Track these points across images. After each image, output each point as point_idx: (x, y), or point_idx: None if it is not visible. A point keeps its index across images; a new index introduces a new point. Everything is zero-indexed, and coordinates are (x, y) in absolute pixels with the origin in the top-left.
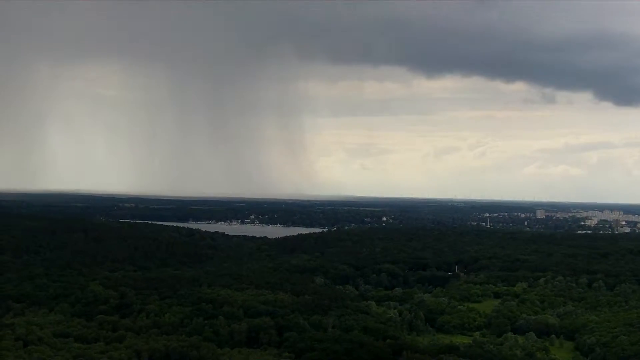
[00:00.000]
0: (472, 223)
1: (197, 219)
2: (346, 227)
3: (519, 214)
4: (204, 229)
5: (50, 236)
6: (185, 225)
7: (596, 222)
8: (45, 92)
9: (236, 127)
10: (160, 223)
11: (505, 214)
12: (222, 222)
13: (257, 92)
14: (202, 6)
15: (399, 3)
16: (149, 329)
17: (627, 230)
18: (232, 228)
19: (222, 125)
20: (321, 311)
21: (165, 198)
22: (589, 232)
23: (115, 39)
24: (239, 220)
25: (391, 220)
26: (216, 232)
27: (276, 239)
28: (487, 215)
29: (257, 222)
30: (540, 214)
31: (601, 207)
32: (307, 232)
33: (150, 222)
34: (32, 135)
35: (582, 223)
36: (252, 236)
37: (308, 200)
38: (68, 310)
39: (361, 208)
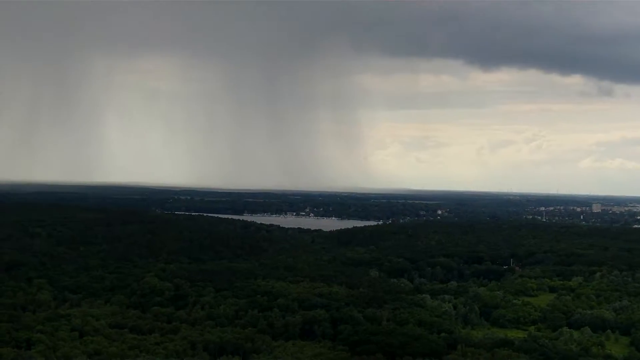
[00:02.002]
0: (528, 217)
1: (253, 211)
2: (401, 220)
3: (575, 207)
4: (259, 222)
5: (106, 228)
6: (241, 217)
7: None
8: (102, 85)
9: (292, 120)
10: (216, 215)
11: (561, 207)
12: (277, 215)
13: (312, 85)
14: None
15: None
16: (203, 321)
17: None
18: (287, 220)
19: (278, 118)
20: (376, 304)
21: (220, 190)
22: None
23: (171, 32)
24: (294, 213)
25: (446, 214)
26: (271, 225)
27: (331, 232)
28: (543, 209)
29: (312, 214)
30: (596, 208)
31: None
32: (362, 225)
33: (205, 215)
34: (89, 128)
35: (639, 217)
36: (307, 229)
37: (363, 193)
38: (124, 301)
39: (416, 201)
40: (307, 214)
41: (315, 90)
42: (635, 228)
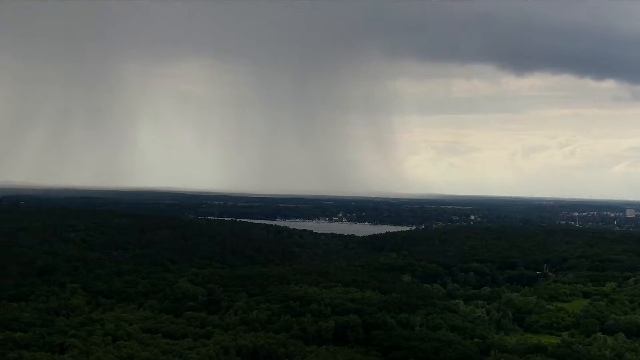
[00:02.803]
0: (561, 222)
1: (285, 216)
2: (434, 226)
3: (609, 213)
4: (292, 227)
5: (140, 233)
6: (273, 222)
7: None
8: (135, 89)
9: (325, 125)
10: (249, 220)
11: (595, 213)
12: (310, 220)
13: (345, 90)
14: (289, 4)
15: (488, 1)
16: (236, 326)
17: None
18: (320, 226)
19: (311, 123)
20: (409, 309)
21: (253, 196)
22: None
23: (203, 37)
24: (327, 218)
25: (479, 219)
26: (304, 230)
27: (364, 237)
28: (576, 214)
29: (345, 220)
30: (630, 213)
31: None
32: (395, 230)
33: (238, 220)
34: (122, 133)
35: None
36: (340, 234)
37: (396, 199)
38: (156, 306)
39: (449, 206)
40: (340, 219)
41: (348, 94)
42: None
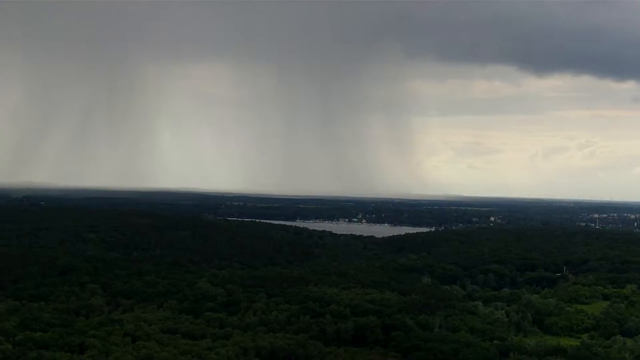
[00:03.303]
0: (581, 224)
1: (305, 217)
2: (453, 227)
3: (629, 214)
4: (311, 228)
5: (159, 234)
6: (293, 223)
7: None
8: (155, 90)
9: (344, 126)
10: (268, 221)
11: (615, 214)
12: (330, 221)
13: (364, 91)
14: (310, 4)
15: (508, 2)
16: (255, 327)
17: None
18: (340, 227)
19: (330, 124)
20: (428, 311)
21: (272, 196)
22: None
23: (223, 38)
24: (347, 219)
25: (499, 221)
26: (323, 231)
27: (383, 238)
28: (596, 216)
29: (364, 221)
30: None
31: None
32: (415, 232)
33: (257, 221)
34: (142, 134)
35: None
36: (360, 235)
37: (415, 200)
38: (176, 306)
39: (469, 208)
40: (360, 221)
41: (367, 95)
42: None
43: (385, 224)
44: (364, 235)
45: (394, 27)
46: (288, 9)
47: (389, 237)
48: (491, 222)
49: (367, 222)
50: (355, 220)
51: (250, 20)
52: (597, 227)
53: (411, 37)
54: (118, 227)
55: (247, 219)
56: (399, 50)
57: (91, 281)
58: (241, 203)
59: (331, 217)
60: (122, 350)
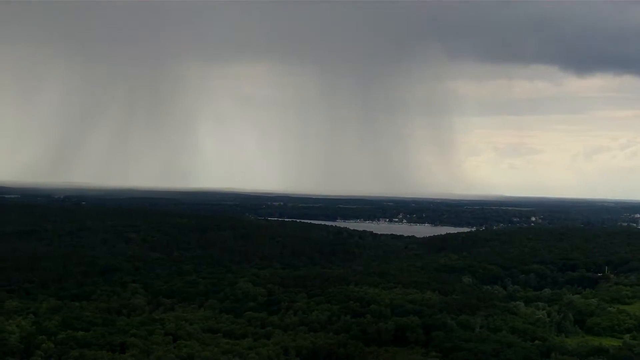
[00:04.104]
0: (623, 224)
1: (345, 217)
2: (494, 227)
3: None
4: (352, 228)
5: (200, 234)
6: (334, 223)
7: None
8: (196, 91)
9: (385, 126)
10: (309, 221)
11: None
12: (370, 221)
13: (406, 91)
14: (352, 4)
15: (550, 2)
16: (296, 326)
17: None
18: (380, 227)
19: (372, 124)
20: (469, 311)
21: (313, 196)
22: None
23: (264, 39)
24: (387, 219)
25: (540, 221)
26: (364, 231)
27: (424, 238)
28: (638, 216)
29: (405, 221)
30: None
31: None
32: (455, 232)
33: (298, 221)
34: (183, 134)
35: None
36: (400, 235)
37: (456, 200)
38: (217, 306)
39: (509, 208)
40: (400, 220)
41: (409, 95)
42: None
43: (426, 224)
44: (405, 235)
45: (436, 27)
46: (330, 9)
47: (430, 237)
48: (532, 222)
49: (408, 222)
50: (396, 220)
51: (294, 21)
52: (639, 227)
53: (453, 38)
54: (159, 226)
55: (287, 219)
56: (440, 51)
57: (132, 281)
58: (282, 203)
59: (372, 217)
60: (163, 350)
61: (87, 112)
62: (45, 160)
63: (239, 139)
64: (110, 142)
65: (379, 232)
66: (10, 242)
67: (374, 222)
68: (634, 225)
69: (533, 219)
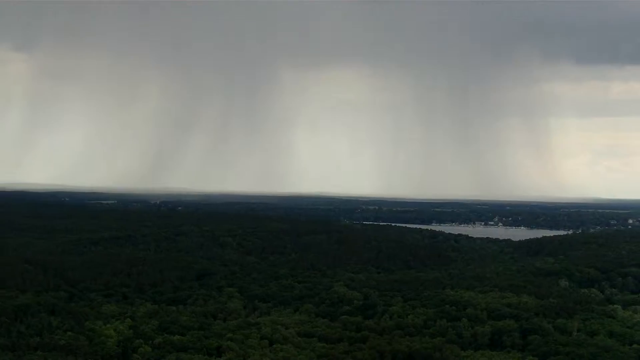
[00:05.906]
0: None
1: (441, 221)
2: (591, 230)
3: None
4: (447, 231)
5: (296, 238)
6: (429, 227)
7: None
8: (291, 96)
9: (480, 129)
10: (404, 225)
11: None
12: (466, 225)
13: (502, 93)
14: (446, 6)
15: None
16: (392, 330)
17: None
18: (476, 230)
19: (467, 127)
20: (566, 315)
21: (408, 200)
22: None
23: (360, 42)
24: (483, 223)
25: (638, 223)
26: (459, 235)
27: (520, 241)
28: None
29: (500, 224)
30: None
31: None
32: (552, 235)
33: (393, 225)
34: (279, 139)
35: None
36: (496, 238)
37: (552, 203)
38: (312, 310)
39: (607, 210)
40: (496, 224)
41: (504, 98)
42: None
43: (522, 227)
44: (501, 238)
45: (532, 29)
46: (423, 10)
47: (526, 240)
48: (629, 224)
49: (504, 226)
50: (492, 223)
51: (387, 25)
52: None
53: (548, 39)
54: (255, 231)
55: (382, 223)
56: (536, 54)
57: (228, 285)
58: (377, 207)
59: (467, 221)
60: (260, 354)
61: (184, 118)
62: (142, 166)
63: (334, 144)
64: (207, 148)
65: (474, 236)
66: (107, 248)
67: (469, 225)
68: None
69: (630, 221)
